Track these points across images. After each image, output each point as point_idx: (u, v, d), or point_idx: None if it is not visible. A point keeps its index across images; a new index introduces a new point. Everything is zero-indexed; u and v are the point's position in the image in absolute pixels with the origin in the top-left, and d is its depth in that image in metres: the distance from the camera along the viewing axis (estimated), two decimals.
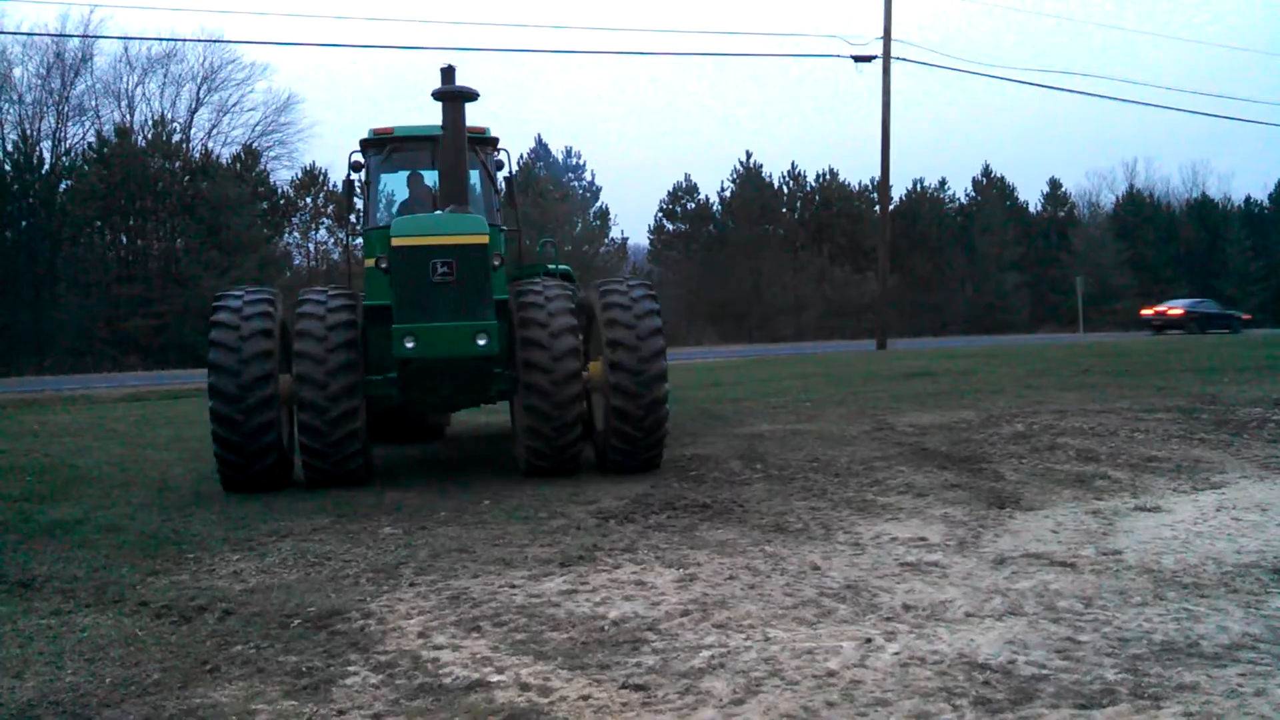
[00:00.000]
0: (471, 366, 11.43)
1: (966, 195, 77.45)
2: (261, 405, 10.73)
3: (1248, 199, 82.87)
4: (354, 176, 12.88)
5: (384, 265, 11.28)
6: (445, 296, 10.79)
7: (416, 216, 11.42)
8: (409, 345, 10.61)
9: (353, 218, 14.89)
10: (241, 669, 5.65)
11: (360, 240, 13.67)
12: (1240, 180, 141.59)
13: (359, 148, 12.89)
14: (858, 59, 39.26)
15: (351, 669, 5.56)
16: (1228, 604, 6.27)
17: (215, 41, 59.73)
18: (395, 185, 13.48)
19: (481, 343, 10.75)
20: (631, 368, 11.06)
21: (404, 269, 10.84)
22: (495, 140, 13.21)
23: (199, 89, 57.53)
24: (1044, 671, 5.18)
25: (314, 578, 7.57)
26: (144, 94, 57.19)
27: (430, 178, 13.13)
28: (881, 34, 37.48)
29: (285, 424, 11.38)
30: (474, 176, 12.85)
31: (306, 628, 6.34)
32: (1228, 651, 5.42)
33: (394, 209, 13.07)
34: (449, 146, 11.28)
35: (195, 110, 57.62)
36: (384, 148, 12.76)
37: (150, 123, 54.99)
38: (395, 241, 10.91)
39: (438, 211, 11.31)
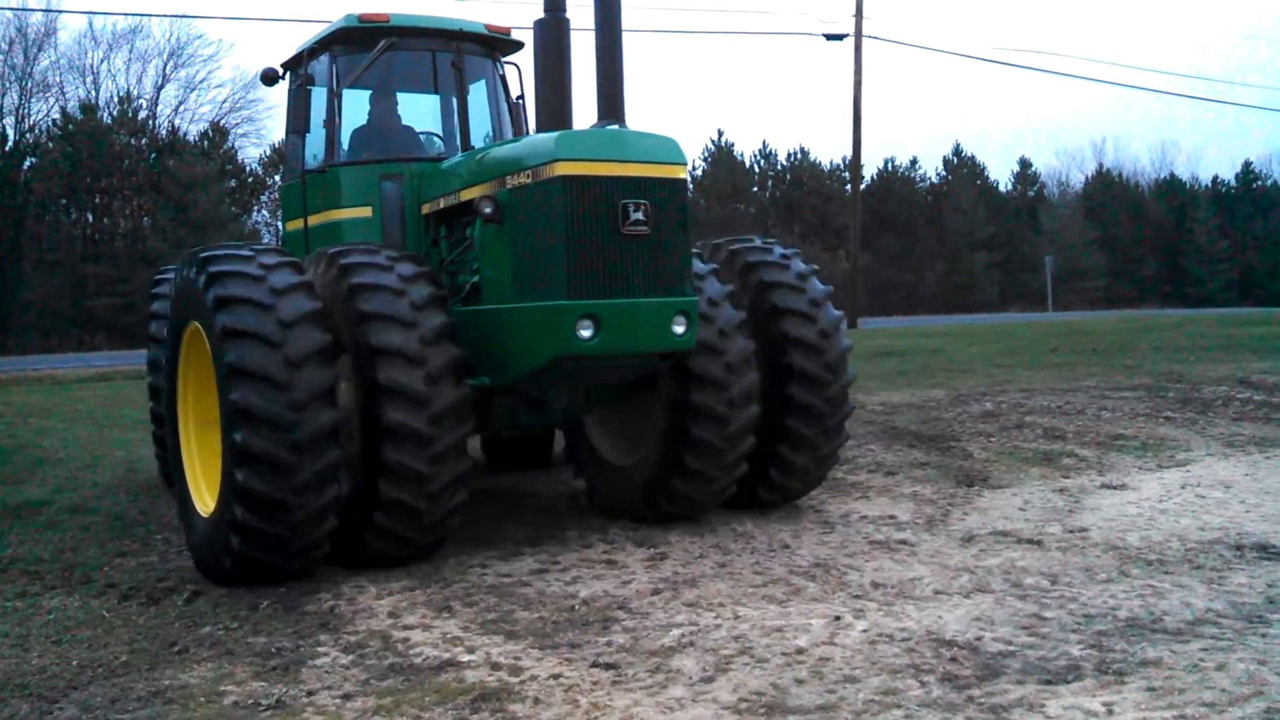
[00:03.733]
0: (650, 370, 7.77)
1: (937, 174, 77.67)
2: (322, 439, 6.51)
3: (1215, 179, 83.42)
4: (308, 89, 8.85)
5: (488, 209, 7.32)
6: (637, 259, 7.09)
7: (588, 132, 7.39)
8: (585, 335, 6.89)
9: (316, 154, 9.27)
10: (210, 650, 5.63)
11: (291, 187, 9.53)
12: (1208, 160, 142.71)
13: (315, 47, 9.13)
14: (829, 37, 39.18)
15: (321, 649, 5.55)
16: (1191, 580, 6.35)
17: (181, 17, 59.24)
18: (351, 108, 9.27)
19: (680, 330, 7.19)
20: (818, 377, 8.21)
21: (572, 213, 6.94)
22: (519, 46, 9.67)
23: (165, 65, 56.84)
24: (1010, 648, 5.24)
25: None
26: (109, 70, 56.83)
27: (415, 104, 9.75)
28: (854, 12, 37.44)
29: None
30: (482, 93, 9.60)
31: (276, 609, 6.32)
32: (1190, 627, 5.49)
33: (352, 142, 9.18)
34: (607, 44, 7.67)
35: (161, 87, 56.95)
36: (362, 44, 8.91)
37: (116, 99, 54.36)
38: (563, 168, 6.96)
39: (612, 125, 7.54)
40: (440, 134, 9.61)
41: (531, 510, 8.92)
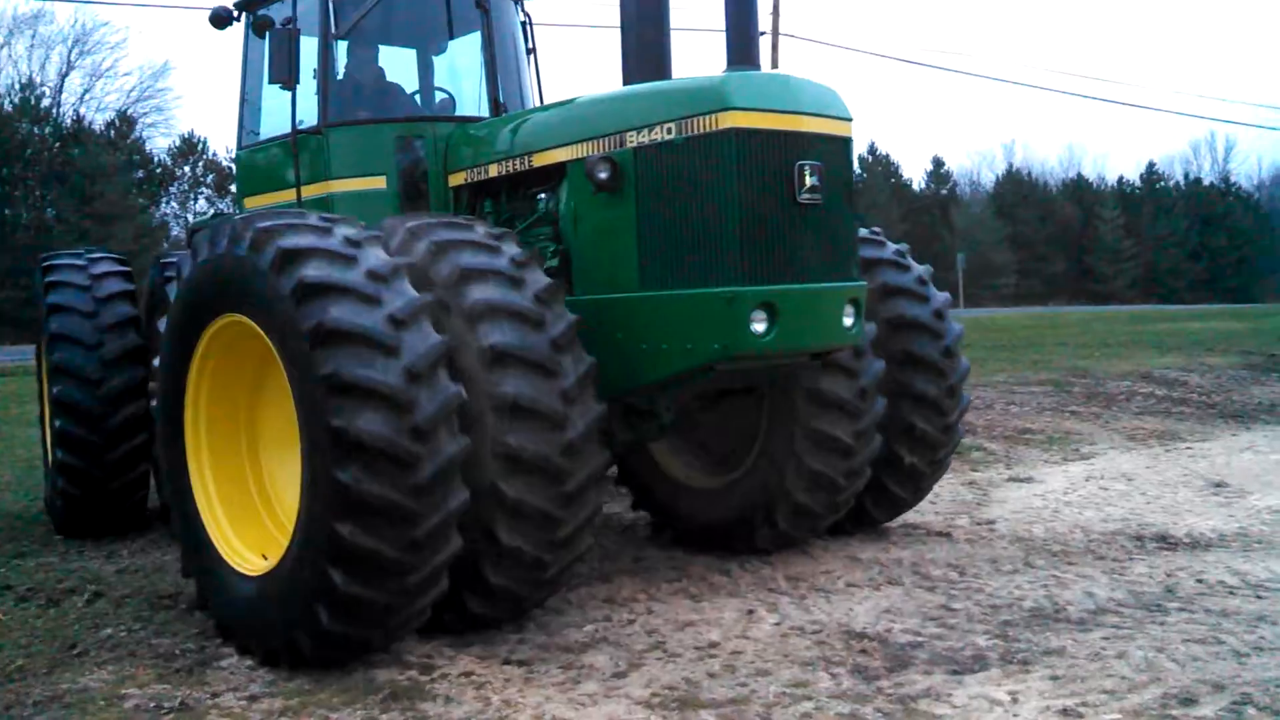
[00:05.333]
0: (794, 373, 6.42)
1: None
2: (450, 476, 4.87)
3: (1120, 179, 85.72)
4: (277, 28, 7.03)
5: (603, 174, 5.84)
6: (812, 235, 5.72)
7: (758, 76, 5.93)
8: (758, 329, 5.47)
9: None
10: (111, 653, 5.49)
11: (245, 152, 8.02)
12: (1114, 161, 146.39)
13: None
14: None
15: (227, 651, 5.43)
16: (1094, 570, 6.50)
17: (85, 2, 57.60)
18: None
19: (849, 323, 5.91)
20: (938, 403, 7.24)
21: (745, 176, 5.49)
22: None
23: (70, 52, 55.33)
24: (918, 639, 5.31)
25: None
26: (10, 56, 54.89)
27: (402, 57, 8.29)
28: (771, 10, 37.72)
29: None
30: (475, 44, 7.85)
31: (181, 609, 6.18)
32: (1092, 616, 5.62)
33: (342, 99, 7.49)
34: None
35: (66, 74, 55.37)
36: None
37: (17, 86, 52.74)
38: (734, 119, 5.46)
39: (775, 71, 5.84)
40: (448, 90, 8.13)
41: None
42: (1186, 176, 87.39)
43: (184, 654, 5.40)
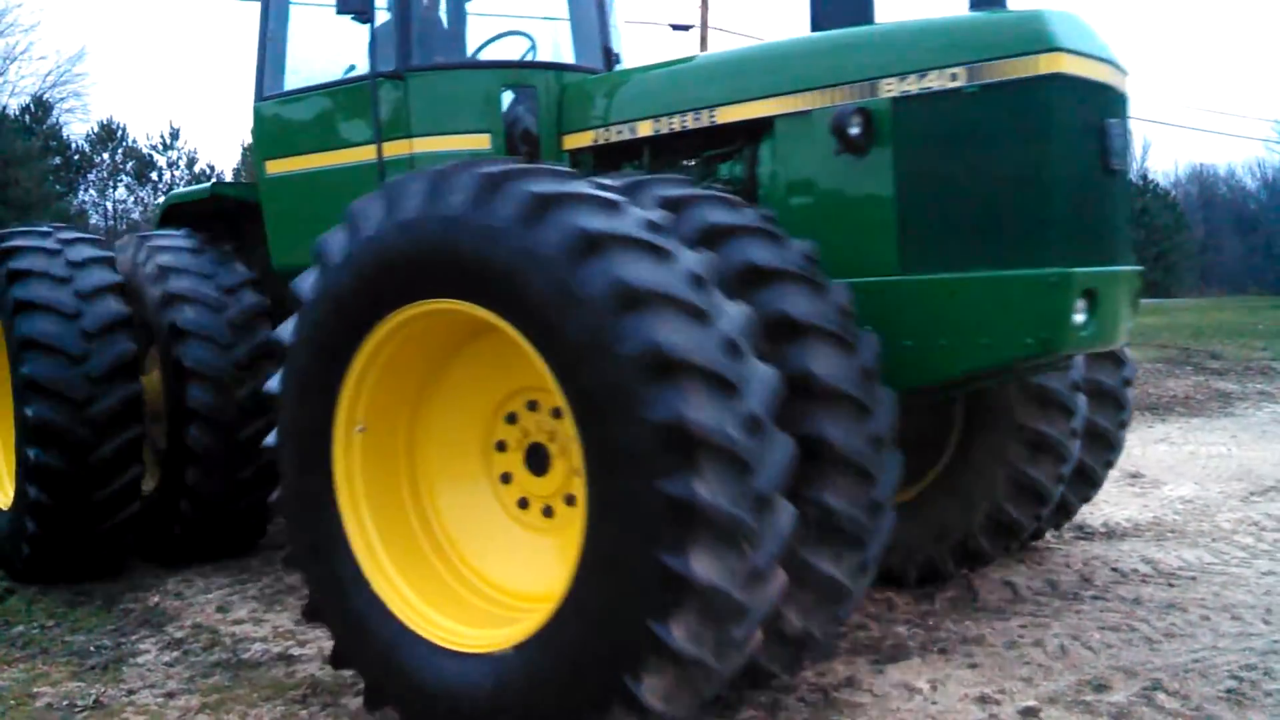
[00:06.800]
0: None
1: None
2: None
3: None
4: None
5: (855, 129, 4.60)
6: (1120, 207, 4.80)
7: (1068, 14, 4.58)
8: (1079, 320, 4.35)
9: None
10: (23, 650, 5.37)
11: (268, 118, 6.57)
12: None
13: None
14: (675, 27, 39.49)
15: (144, 647, 5.34)
16: (1011, 560, 6.60)
17: None
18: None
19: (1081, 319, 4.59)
20: (1117, 397, 6.64)
21: (1064, 134, 4.39)
22: None
23: None
24: (841, 629, 5.36)
25: None
26: None
27: None
28: (699, 3, 37.79)
29: None
30: None
31: (96, 605, 6.05)
32: (1010, 605, 5.72)
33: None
34: None
35: None
36: None
37: None
38: (1058, 63, 4.30)
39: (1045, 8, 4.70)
40: (529, 35, 6.70)
41: None
42: None
43: (99, 650, 5.30)
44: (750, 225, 4.20)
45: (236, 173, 53.09)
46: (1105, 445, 6.44)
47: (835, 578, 3.96)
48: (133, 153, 56.69)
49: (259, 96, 6.55)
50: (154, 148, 58.41)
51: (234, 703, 4.59)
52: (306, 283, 4.26)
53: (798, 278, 4.09)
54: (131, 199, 56.25)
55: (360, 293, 4.08)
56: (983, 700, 4.42)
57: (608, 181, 4.07)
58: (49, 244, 6.57)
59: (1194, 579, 6.10)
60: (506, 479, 4.32)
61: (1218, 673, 4.65)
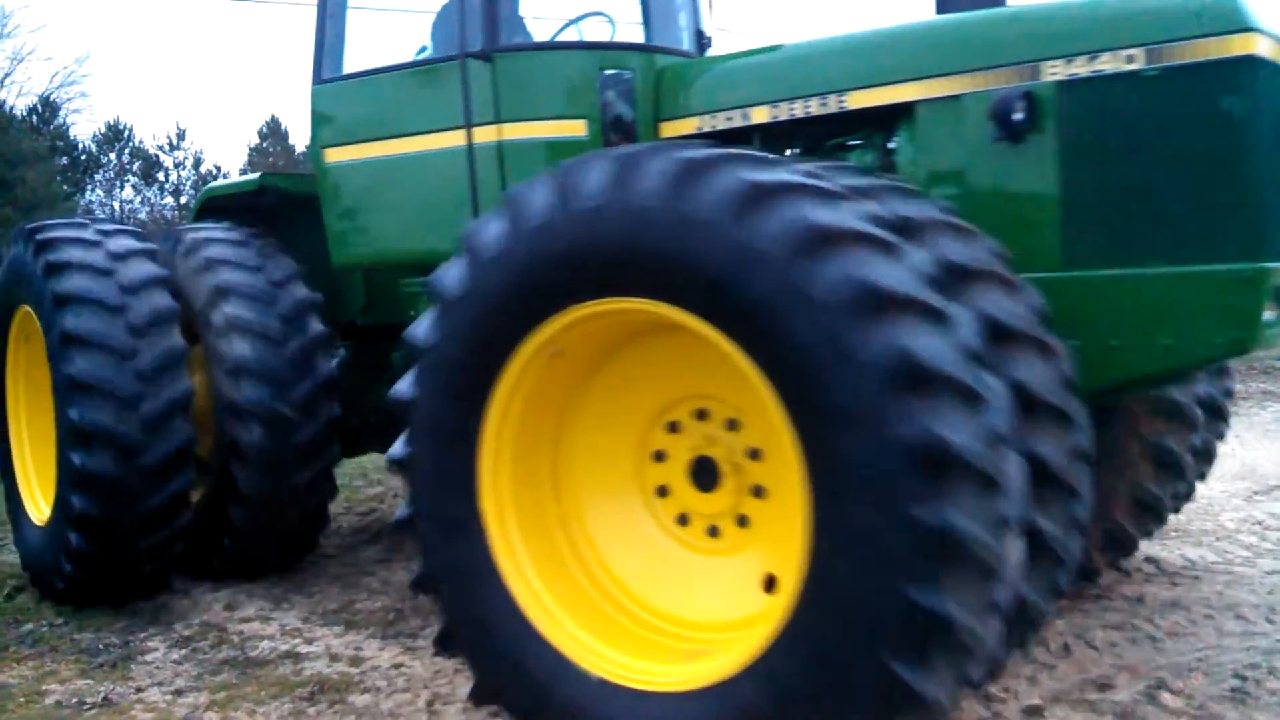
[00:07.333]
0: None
1: None
2: None
3: None
4: None
5: (1019, 115, 4.28)
6: None
7: None
8: (1270, 317, 4.05)
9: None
10: (32, 648, 5.40)
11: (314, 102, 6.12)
12: None
13: None
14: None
15: (152, 645, 5.38)
16: None
17: None
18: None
19: None
20: (1218, 407, 6.22)
21: (1259, 120, 4.01)
22: None
23: None
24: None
25: None
26: None
27: None
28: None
29: None
30: None
31: (104, 604, 6.08)
32: None
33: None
34: None
35: None
36: None
37: None
38: (1251, 44, 3.94)
39: None
40: (606, 14, 6.25)
41: (375, 500, 8.79)
42: None
43: (107, 648, 5.33)
44: (941, 219, 3.73)
45: (243, 173, 53.17)
46: (1204, 459, 5.96)
47: (1036, 603, 3.56)
48: (139, 153, 56.74)
49: (316, 79, 6.08)
50: (160, 148, 58.55)
51: (242, 700, 4.61)
52: (450, 276, 3.85)
53: (997, 277, 3.65)
54: (138, 199, 56.31)
55: (523, 290, 3.69)
56: (986, 699, 4.43)
57: (802, 168, 3.59)
58: (88, 235, 6.20)
59: (1198, 578, 6.10)
60: (663, 492, 3.98)
61: (1221, 671, 4.65)
